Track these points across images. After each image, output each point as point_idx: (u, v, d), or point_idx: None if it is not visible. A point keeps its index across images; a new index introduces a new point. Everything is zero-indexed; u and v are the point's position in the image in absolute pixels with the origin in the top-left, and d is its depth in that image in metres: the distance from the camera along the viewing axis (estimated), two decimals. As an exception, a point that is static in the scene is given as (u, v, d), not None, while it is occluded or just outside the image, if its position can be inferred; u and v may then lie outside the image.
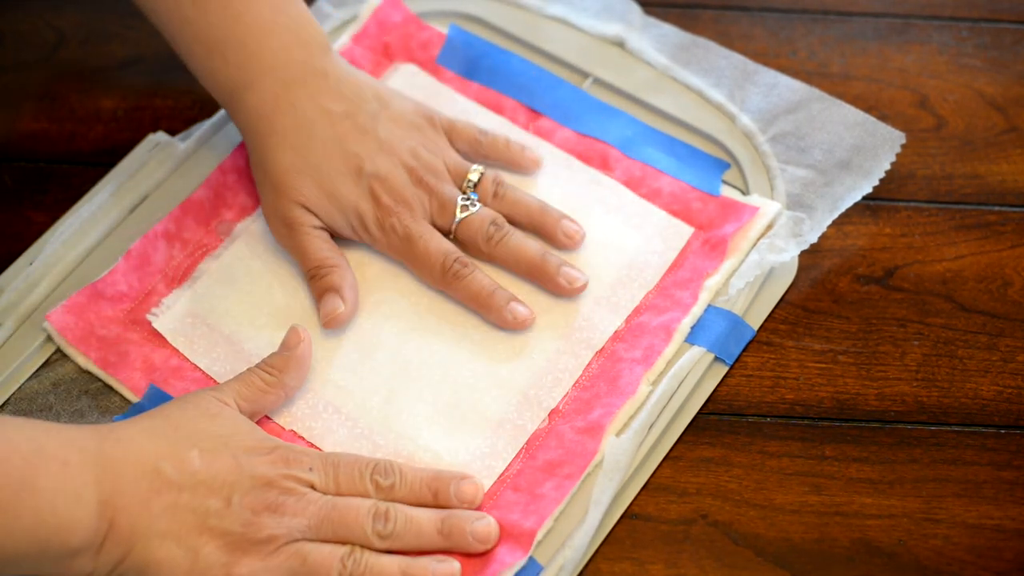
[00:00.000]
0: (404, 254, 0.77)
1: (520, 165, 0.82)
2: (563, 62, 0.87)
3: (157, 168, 0.82)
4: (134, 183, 0.81)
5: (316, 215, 0.77)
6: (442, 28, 0.88)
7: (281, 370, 0.73)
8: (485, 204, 0.79)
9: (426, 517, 0.69)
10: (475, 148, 0.82)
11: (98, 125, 0.86)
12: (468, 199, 0.78)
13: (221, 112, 0.84)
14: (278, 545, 0.66)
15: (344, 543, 0.67)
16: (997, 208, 0.83)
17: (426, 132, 0.80)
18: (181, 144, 0.83)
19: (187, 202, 0.80)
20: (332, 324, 0.76)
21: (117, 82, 0.88)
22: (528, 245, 0.78)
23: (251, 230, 0.80)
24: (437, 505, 0.70)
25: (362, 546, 0.68)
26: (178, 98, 0.87)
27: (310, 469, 0.68)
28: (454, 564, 0.68)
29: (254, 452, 0.68)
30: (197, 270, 0.79)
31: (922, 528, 0.71)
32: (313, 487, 0.68)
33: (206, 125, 0.84)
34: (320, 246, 0.77)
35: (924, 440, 0.74)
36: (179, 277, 0.79)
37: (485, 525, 0.69)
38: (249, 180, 0.82)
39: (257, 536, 0.66)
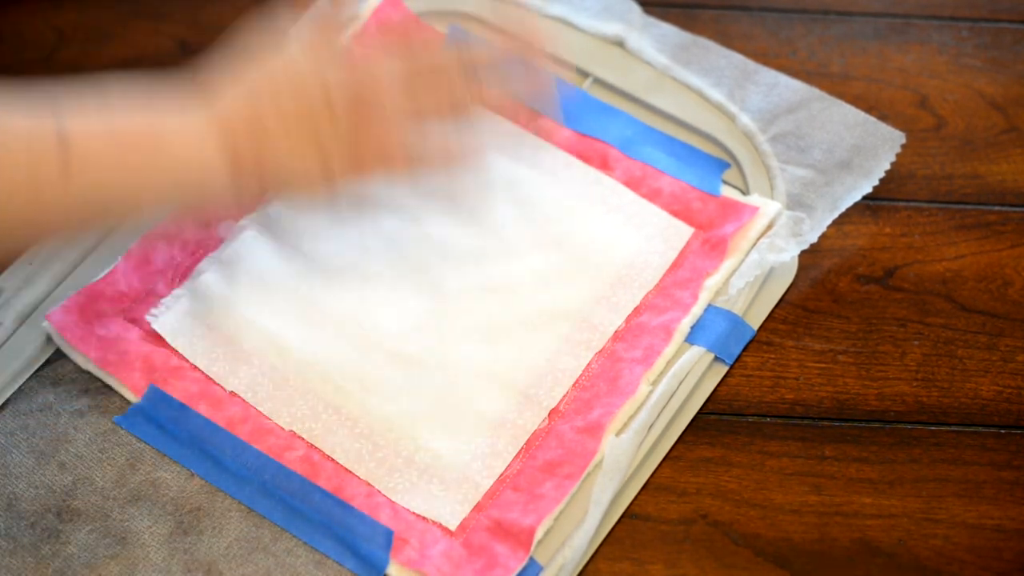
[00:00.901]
0: None
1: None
2: (563, 62, 0.87)
3: (157, 168, 0.82)
4: (134, 183, 0.81)
5: None
6: (442, 28, 0.89)
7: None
8: None
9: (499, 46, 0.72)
10: None
11: (98, 125, 0.86)
12: None
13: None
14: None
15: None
16: (997, 208, 0.83)
17: None
18: (181, 144, 0.83)
19: (187, 202, 0.80)
20: None
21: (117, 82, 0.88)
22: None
23: (251, 230, 0.80)
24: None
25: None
26: (178, 98, 0.87)
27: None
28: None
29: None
30: (197, 270, 0.79)
31: (922, 528, 0.71)
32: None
33: (206, 125, 0.83)
34: None
35: (924, 440, 0.74)
36: (179, 277, 0.79)
37: None
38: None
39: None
